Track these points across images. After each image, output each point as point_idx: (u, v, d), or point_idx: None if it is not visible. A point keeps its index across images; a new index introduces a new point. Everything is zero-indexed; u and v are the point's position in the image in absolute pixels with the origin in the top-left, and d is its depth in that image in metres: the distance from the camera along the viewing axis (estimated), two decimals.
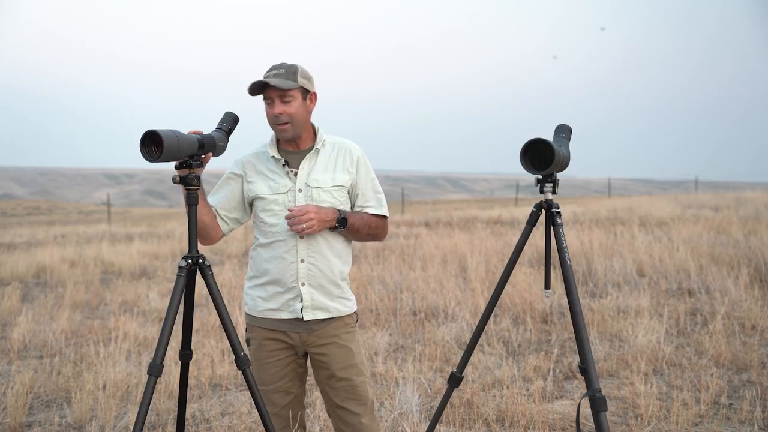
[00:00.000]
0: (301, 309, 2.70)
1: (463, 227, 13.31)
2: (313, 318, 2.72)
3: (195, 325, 5.94)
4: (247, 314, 2.83)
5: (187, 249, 2.64)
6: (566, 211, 16.14)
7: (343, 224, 2.68)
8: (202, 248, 2.74)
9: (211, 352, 5.20)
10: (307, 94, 2.71)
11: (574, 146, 3.07)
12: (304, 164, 2.73)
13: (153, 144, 2.42)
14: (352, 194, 2.80)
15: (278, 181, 2.73)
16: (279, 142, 2.78)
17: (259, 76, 2.67)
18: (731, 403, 4.18)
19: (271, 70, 2.68)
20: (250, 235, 13.39)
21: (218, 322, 5.88)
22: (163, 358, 2.52)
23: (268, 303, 2.75)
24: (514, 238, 10.56)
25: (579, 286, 7.32)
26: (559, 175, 2.93)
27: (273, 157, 2.75)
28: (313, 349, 2.76)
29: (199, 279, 2.69)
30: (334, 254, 2.74)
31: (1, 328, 6.51)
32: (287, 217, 2.62)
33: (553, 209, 2.92)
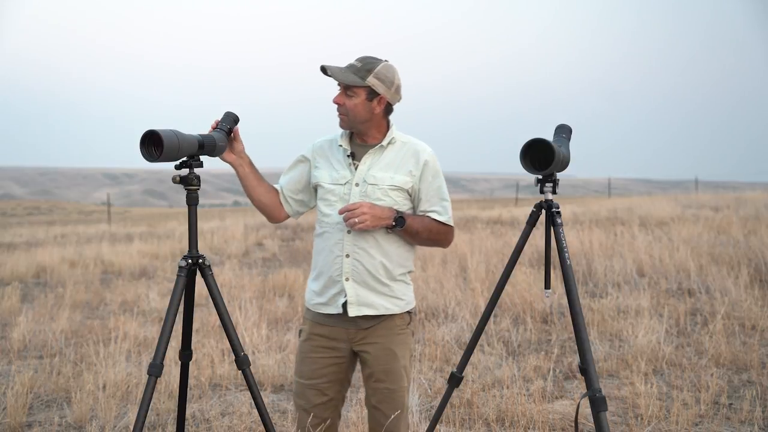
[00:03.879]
0: (344, 304, 2.68)
1: (463, 227, 13.30)
2: (358, 314, 2.67)
3: (195, 325, 5.94)
4: (305, 306, 2.84)
5: (187, 249, 2.64)
6: (566, 211, 16.13)
7: (400, 224, 2.62)
8: (202, 248, 2.75)
9: (211, 352, 5.20)
10: (375, 96, 2.66)
11: (574, 145, 3.07)
12: (366, 159, 2.71)
13: (153, 144, 2.42)
14: (415, 197, 2.74)
15: (340, 172, 2.73)
16: (353, 134, 2.77)
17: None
18: (731, 403, 4.18)
19: (355, 60, 2.68)
20: (251, 235, 13.39)
21: (218, 322, 5.88)
22: (163, 358, 2.53)
23: (319, 297, 2.75)
24: (514, 238, 10.55)
25: (579, 286, 7.32)
26: (559, 175, 2.93)
27: (341, 146, 2.75)
28: (357, 346, 2.74)
29: (199, 279, 2.69)
30: (381, 253, 2.68)
31: (1, 328, 6.51)
32: (341, 211, 2.61)
33: (553, 209, 2.92)
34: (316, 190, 2.81)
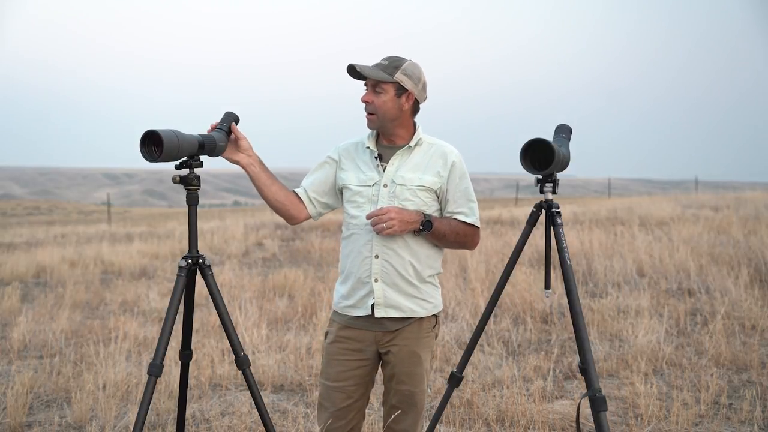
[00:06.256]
0: (372, 305, 2.67)
1: None
2: (385, 315, 2.68)
3: (195, 325, 5.94)
4: (332, 309, 2.84)
5: (187, 249, 2.64)
6: (566, 211, 16.12)
7: (427, 228, 2.63)
8: (202, 248, 2.75)
9: (211, 352, 5.20)
10: (404, 93, 2.67)
11: (574, 145, 3.08)
12: (395, 160, 2.71)
13: (153, 144, 2.42)
14: (442, 199, 2.74)
15: (367, 173, 2.72)
16: (379, 136, 2.77)
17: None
18: (731, 403, 4.18)
19: (381, 59, 2.68)
20: (251, 235, 13.38)
21: (218, 322, 5.88)
22: (163, 358, 2.53)
23: (347, 300, 2.74)
24: (514, 238, 10.55)
25: (579, 286, 7.31)
26: (559, 175, 2.94)
27: (368, 148, 2.74)
28: (383, 348, 2.74)
29: (199, 279, 2.69)
30: (410, 254, 2.69)
31: (1, 328, 6.51)
32: (368, 216, 2.61)
33: (553, 209, 2.93)
34: (341, 193, 2.80)
